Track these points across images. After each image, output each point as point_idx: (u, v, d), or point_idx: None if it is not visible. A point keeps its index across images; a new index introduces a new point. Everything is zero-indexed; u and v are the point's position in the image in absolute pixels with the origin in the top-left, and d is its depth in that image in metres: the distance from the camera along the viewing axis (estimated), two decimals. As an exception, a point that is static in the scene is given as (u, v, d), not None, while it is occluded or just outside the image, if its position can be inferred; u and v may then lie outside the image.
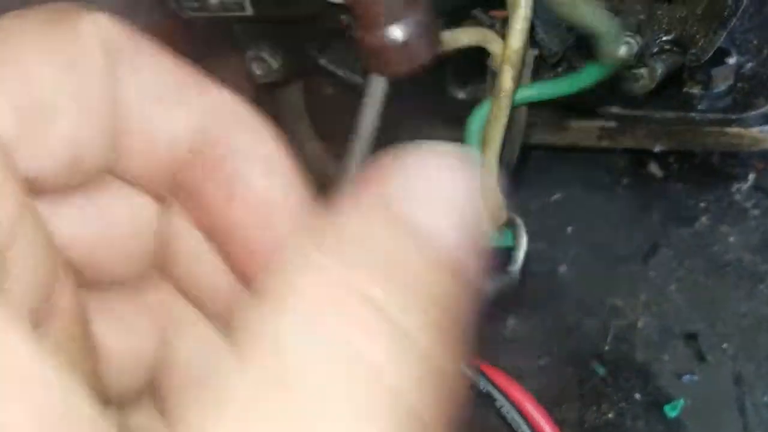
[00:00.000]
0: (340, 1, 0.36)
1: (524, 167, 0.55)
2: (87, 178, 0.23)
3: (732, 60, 0.45)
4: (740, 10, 0.32)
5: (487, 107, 0.34)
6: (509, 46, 0.31)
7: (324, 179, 0.50)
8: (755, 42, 0.49)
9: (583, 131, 0.48)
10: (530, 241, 0.51)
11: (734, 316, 0.44)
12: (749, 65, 0.48)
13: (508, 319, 0.46)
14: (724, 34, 0.33)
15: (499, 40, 0.32)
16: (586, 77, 0.34)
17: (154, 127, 0.23)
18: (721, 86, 0.45)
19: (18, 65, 0.20)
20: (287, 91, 0.51)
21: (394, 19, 0.26)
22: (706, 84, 0.45)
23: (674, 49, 0.36)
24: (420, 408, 0.15)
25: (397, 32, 0.26)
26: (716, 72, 0.45)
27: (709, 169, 0.51)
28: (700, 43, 0.34)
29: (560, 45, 0.37)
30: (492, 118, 0.32)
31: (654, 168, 0.52)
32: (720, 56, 0.44)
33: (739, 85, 0.46)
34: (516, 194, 0.54)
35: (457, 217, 0.17)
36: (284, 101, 0.52)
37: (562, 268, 0.49)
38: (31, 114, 0.20)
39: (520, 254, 0.37)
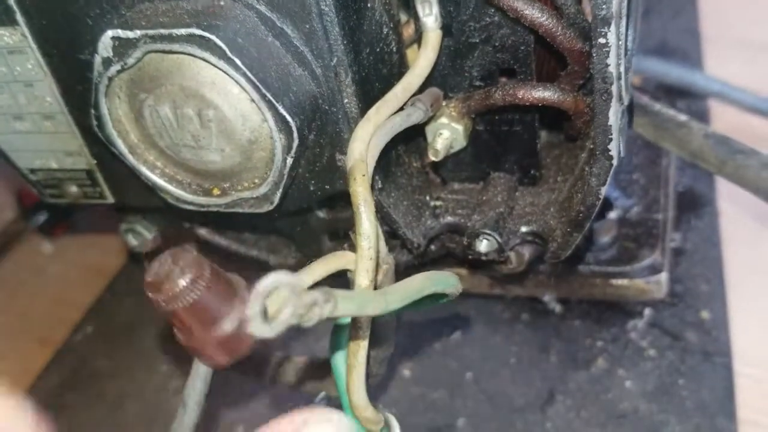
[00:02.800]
0: (191, 208, 0.35)
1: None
2: None
3: (614, 214, 0.45)
4: (594, 213, 0.32)
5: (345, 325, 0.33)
6: (358, 285, 0.30)
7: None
8: (642, 182, 0.49)
9: (475, 281, 0.48)
10: (430, 389, 0.51)
11: (629, 473, 0.43)
12: (635, 209, 0.48)
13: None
14: (580, 236, 0.33)
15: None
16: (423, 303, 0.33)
17: None
18: (604, 238, 0.45)
19: None
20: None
21: (222, 315, 0.25)
22: (590, 237, 0.45)
23: (535, 240, 0.35)
24: None
25: (228, 325, 0.25)
26: (599, 225, 0.45)
27: (607, 305, 0.51)
28: (558, 241, 0.34)
29: (423, 237, 0.37)
30: (352, 351, 0.31)
31: (553, 304, 0.52)
32: (603, 209, 0.44)
33: (625, 232, 0.46)
34: (417, 333, 0.53)
35: None
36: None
37: (461, 422, 0.48)
38: None
39: None
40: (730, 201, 0.56)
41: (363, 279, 0.29)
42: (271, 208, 0.33)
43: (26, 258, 0.73)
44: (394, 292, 0.26)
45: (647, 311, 0.50)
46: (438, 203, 0.37)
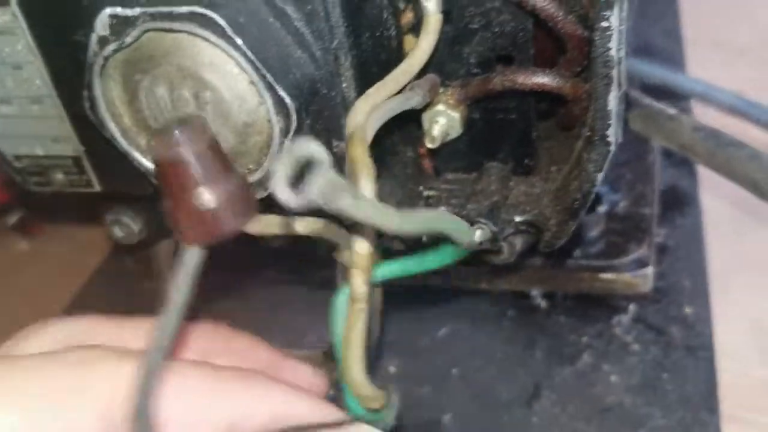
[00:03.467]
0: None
1: (417, 298, 0.54)
2: None
3: (603, 208, 0.45)
4: (590, 200, 0.32)
5: (343, 298, 0.33)
6: (356, 252, 0.30)
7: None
8: (629, 176, 0.50)
9: (461, 276, 0.48)
10: (416, 385, 0.50)
11: (616, 466, 0.44)
12: (622, 204, 0.48)
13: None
14: (575, 224, 0.33)
15: (349, 239, 0.31)
16: (440, 259, 0.33)
17: None
18: (593, 232, 0.45)
19: None
20: (161, 246, 0.49)
21: (204, 185, 0.24)
22: (578, 232, 0.45)
23: (529, 230, 0.35)
24: None
25: (207, 197, 0.24)
26: (588, 219, 0.45)
27: (591, 300, 0.51)
28: (552, 230, 0.34)
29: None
30: (350, 325, 0.31)
31: (539, 299, 0.52)
32: (592, 203, 0.44)
33: (612, 226, 0.47)
34: (404, 329, 0.53)
35: None
36: (157, 253, 0.49)
37: (447, 418, 0.48)
38: None
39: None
40: (713, 199, 0.57)
41: (362, 244, 0.28)
42: (265, 194, 0.32)
43: (1, 257, 0.72)
44: (410, 215, 0.26)
45: (632, 307, 0.51)
46: (431, 193, 0.37)
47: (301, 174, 0.21)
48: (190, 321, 0.30)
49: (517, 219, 0.35)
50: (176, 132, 0.24)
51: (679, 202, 0.56)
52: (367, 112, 0.28)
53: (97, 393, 0.27)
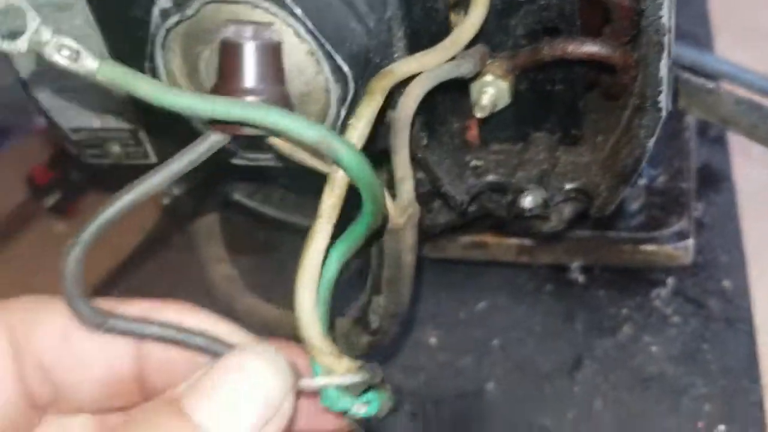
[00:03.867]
0: (246, 163, 0.35)
1: (453, 273, 0.55)
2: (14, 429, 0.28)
3: (643, 180, 0.46)
4: (642, 165, 0.33)
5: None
6: (333, 169, 0.28)
7: (230, 302, 0.50)
8: (667, 153, 0.50)
9: (502, 248, 0.49)
10: (458, 355, 0.51)
11: (659, 432, 0.44)
12: (661, 179, 0.49)
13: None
14: (626, 189, 0.34)
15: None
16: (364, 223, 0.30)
17: (82, 365, 0.28)
18: (633, 205, 0.46)
19: None
20: (204, 216, 0.50)
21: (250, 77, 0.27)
22: (619, 204, 0.46)
23: (579, 197, 0.36)
24: None
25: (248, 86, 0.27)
26: (628, 192, 0.45)
27: (630, 275, 0.52)
28: (603, 195, 0.35)
29: (466, 194, 0.37)
30: (307, 243, 0.28)
31: (576, 274, 0.53)
32: (631, 177, 0.45)
33: (652, 200, 0.47)
34: (442, 303, 0.54)
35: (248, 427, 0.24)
36: (200, 224, 0.51)
37: (490, 386, 0.49)
38: None
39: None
40: (746, 176, 0.57)
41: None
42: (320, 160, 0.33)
43: (39, 239, 0.73)
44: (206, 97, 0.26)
45: (670, 280, 0.51)
46: (479, 163, 0.38)
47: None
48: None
49: (567, 186, 0.36)
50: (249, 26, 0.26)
51: (714, 180, 0.56)
52: (414, 68, 0.29)
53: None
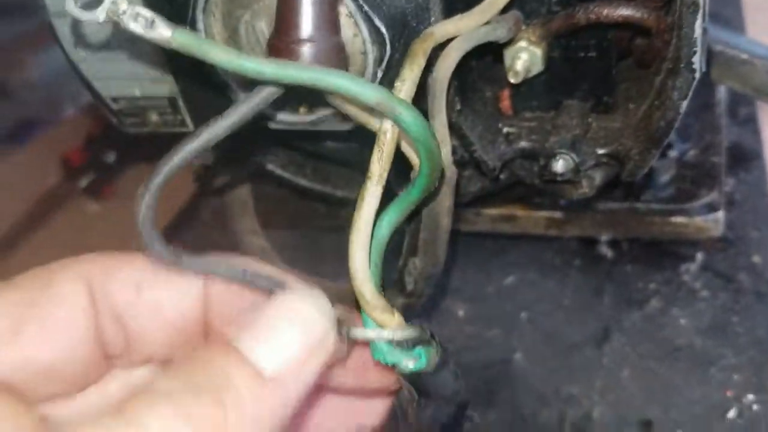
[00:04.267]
0: (278, 127, 0.36)
1: (480, 249, 0.55)
2: (87, 378, 0.30)
3: (674, 152, 0.46)
4: (674, 128, 0.33)
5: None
6: (381, 130, 0.28)
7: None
8: (697, 127, 0.51)
9: (531, 221, 0.49)
10: (485, 327, 0.52)
11: (687, 402, 0.45)
12: (692, 152, 0.49)
13: (466, 411, 0.46)
14: (658, 152, 0.34)
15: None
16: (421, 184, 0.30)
17: (155, 315, 0.30)
18: (664, 177, 0.46)
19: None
20: (236, 188, 0.51)
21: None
22: (650, 175, 0.46)
23: (610, 162, 0.36)
24: None
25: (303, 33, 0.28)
26: (659, 164, 0.46)
27: (658, 250, 0.52)
28: (635, 159, 0.35)
29: (498, 160, 0.38)
30: (359, 205, 0.28)
31: (604, 249, 0.53)
32: (663, 148, 0.45)
33: (683, 173, 0.47)
34: (470, 278, 0.54)
35: (292, 356, 0.25)
36: (233, 197, 0.51)
37: (518, 356, 0.49)
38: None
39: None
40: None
41: (388, 125, 0.28)
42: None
43: (73, 219, 0.75)
44: (274, 63, 0.26)
45: (699, 256, 0.51)
46: (511, 130, 0.38)
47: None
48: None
49: (599, 152, 0.36)
50: None
51: (744, 158, 0.56)
52: (452, 31, 0.30)
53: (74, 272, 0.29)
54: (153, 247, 0.26)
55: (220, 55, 0.25)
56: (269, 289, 0.28)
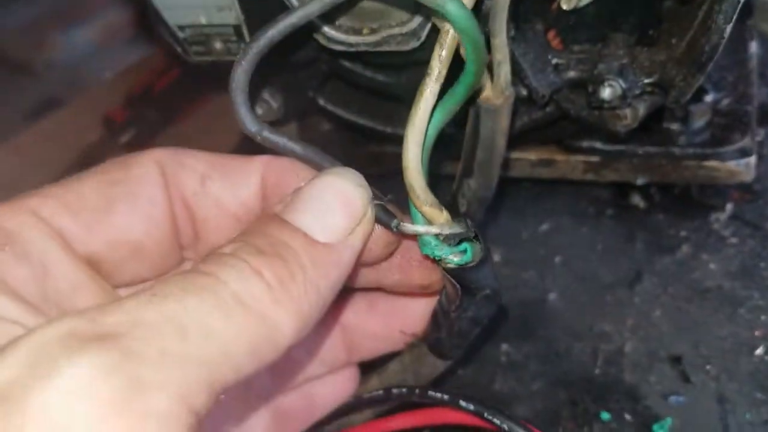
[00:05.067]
0: (341, 48, 0.38)
1: (516, 198, 0.57)
2: (165, 262, 0.32)
3: (709, 97, 0.48)
4: (717, 55, 0.35)
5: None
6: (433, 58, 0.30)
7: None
8: (730, 79, 0.52)
9: (569, 165, 0.51)
10: (521, 270, 0.54)
11: (716, 339, 0.46)
12: (725, 101, 0.51)
13: (502, 345, 0.48)
14: (702, 77, 0.36)
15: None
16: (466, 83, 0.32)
17: (219, 205, 0.32)
18: (699, 122, 0.48)
19: (79, 191, 0.31)
20: (284, 129, 0.53)
21: None
22: (685, 120, 0.48)
23: (655, 91, 0.38)
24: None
25: None
26: (694, 109, 0.48)
27: (689, 200, 0.54)
28: (679, 86, 0.37)
29: (548, 88, 0.40)
30: (416, 100, 0.30)
31: (636, 199, 0.55)
32: (698, 94, 0.47)
33: (716, 120, 0.49)
34: (505, 224, 0.56)
35: (337, 224, 0.28)
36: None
37: (552, 296, 0.51)
38: (86, 216, 0.30)
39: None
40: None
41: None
42: (417, 43, 0.36)
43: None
44: None
45: (729, 206, 0.53)
46: (561, 61, 0.40)
47: None
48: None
49: (645, 80, 0.38)
50: None
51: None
52: None
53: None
54: (241, 110, 0.27)
55: None
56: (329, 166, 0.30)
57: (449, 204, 0.41)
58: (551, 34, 0.42)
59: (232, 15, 0.42)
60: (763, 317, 0.47)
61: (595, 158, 0.50)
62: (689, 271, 0.50)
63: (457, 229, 0.30)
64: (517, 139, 0.46)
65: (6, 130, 0.80)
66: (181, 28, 0.43)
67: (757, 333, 0.47)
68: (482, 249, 0.32)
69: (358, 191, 0.29)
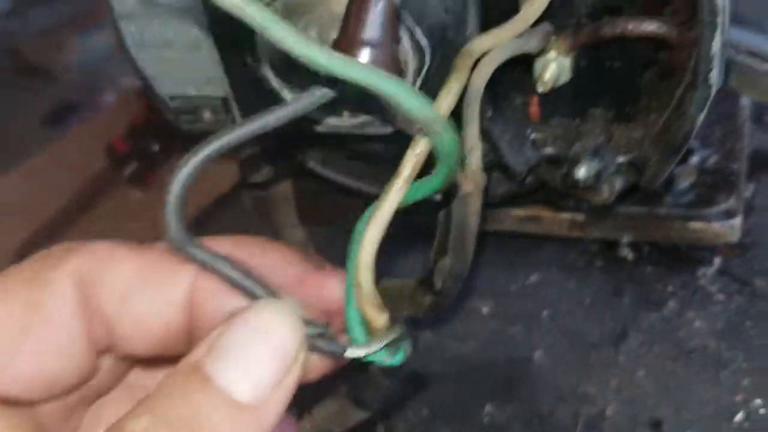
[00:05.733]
0: (320, 129, 0.39)
1: (505, 249, 0.58)
2: (77, 382, 0.30)
3: (695, 158, 0.48)
4: (691, 138, 0.35)
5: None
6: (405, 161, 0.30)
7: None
8: (718, 134, 0.53)
9: (555, 223, 0.51)
10: (508, 324, 0.54)
11: (698, 403, 0.47)
12: (713, 158, 0.51)
13: (486, 405, 0.49)
14: (677, 160, 0.36)
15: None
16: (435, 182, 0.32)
17: (140, 324, 0.30)
18: (684, 183, 0.48)
19: None
20: (279, 182, 0.54)
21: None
22: (670, 181, 0.48)
23: (630, 170, 0.39)
24: None
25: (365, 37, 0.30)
26: (680, 170, 0.48)
27: (677, 253, 0.54)
28: (653, 168, 0.37)
29: (525, 165, 0.40)
30: (380, 199, 0.30)
31: (625, 251, 0.55)
32: (684, 155, 0.47)
33: (703, 179, 0.50)
34: (495, 276, 0.57)
35: (265, 379, 0.25)
36: (276, 191, 0.55)
37: (538, 354, 0.51)
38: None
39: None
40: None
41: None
42: (396, 128, 0.37)
43: (117, 207, 0.77)
44: (337, 57, 0.26)
45: (717, 260, 0.53)
46: (538, 136, 0.41)
47: None
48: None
49: (619, 159, 0.38)
50: None
51: (766, 165, 0.58)
52: (488, 45, 0.32)
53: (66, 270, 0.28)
54: (170, 221, 0.25)
55: (286, 35, 0.25)
56: (254, 294, 0.27)
57: (424, 280, 0.41)
58: (533, 100, 0.42)
59: (220, 88, 0.43)
60: (745, 381, 0.47)
61: (580, 216, 0.50)
62: (675, 329, 0.51)
63: (396, 333, 0.30)
64: (499, 205, 0.46)
65: (24, 142, 0.80)
66: (172, 98, 0.44)
67: (737, 398, 0.47)
68: (410, 345, 0.31)
69: (290, 333, 0.26)
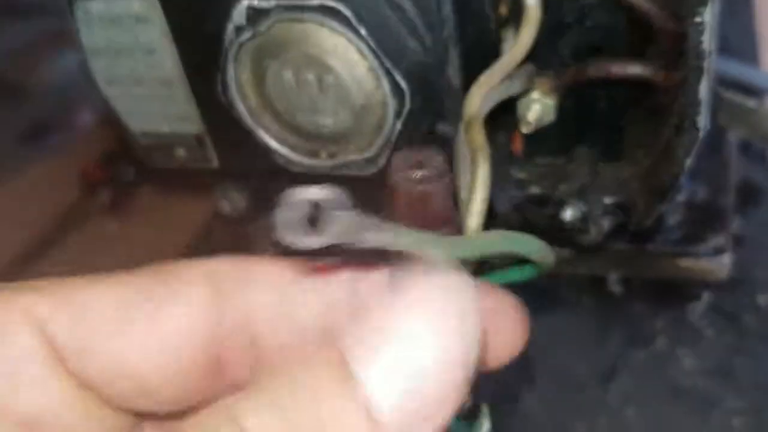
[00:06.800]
0: (298, 170, 0.38)
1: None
2: (179, 401, 0.25)
3: (683, 196, 0.47)
4: (677, 185, 0.34)
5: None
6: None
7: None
8: (707, 168, 0.52)
9: (543, 259, 0.50)
10: (494, 361, 0.53)
11: (689, 443, 0.46)
12: (700, 195, 0.50)
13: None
14: (663, 205, 0.35)
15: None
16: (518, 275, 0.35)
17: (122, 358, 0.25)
18: (672, 220, 0.47)
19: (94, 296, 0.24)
20: (259, 221, 0.53)
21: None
22: (659, 218, 0.47)
23: (618, 211, 0.37)
24: None
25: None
26: (668, 208, 0.47)
27: (666, 289, 0.53)
28: (642, 210, 0.36)
29: (509, 204, 0.39)
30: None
31: (614, 286, 0.54)
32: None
33: (690, 216, 0.49)
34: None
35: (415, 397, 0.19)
36: (256, 227, 0.53)
37: (527, 395, 0.50)
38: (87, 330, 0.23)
39: None
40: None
41: (474, 220, 0.30)
42: (375, 170, 0.35)
43: (92, 236, 0.76)
44: (461, 240, 0.26)
45: (706, 295, 0.52)
46: (522, 175, 0.40)
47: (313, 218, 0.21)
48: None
49: (606, 201, 0.37)
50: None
51: (754, 196, 0.57)
52: (482, 97, 0.31)
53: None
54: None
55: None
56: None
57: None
58: (516, 136, 0.41)
59: (194, 126, 0.41)
60: (735, 420, 0.46)
61: (567, 252, 0.49)
62: (665, 367, 0.50)
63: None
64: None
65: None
66: (144, 134, 0.43)
67: (729, 438, 0.46)
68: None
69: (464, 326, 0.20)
